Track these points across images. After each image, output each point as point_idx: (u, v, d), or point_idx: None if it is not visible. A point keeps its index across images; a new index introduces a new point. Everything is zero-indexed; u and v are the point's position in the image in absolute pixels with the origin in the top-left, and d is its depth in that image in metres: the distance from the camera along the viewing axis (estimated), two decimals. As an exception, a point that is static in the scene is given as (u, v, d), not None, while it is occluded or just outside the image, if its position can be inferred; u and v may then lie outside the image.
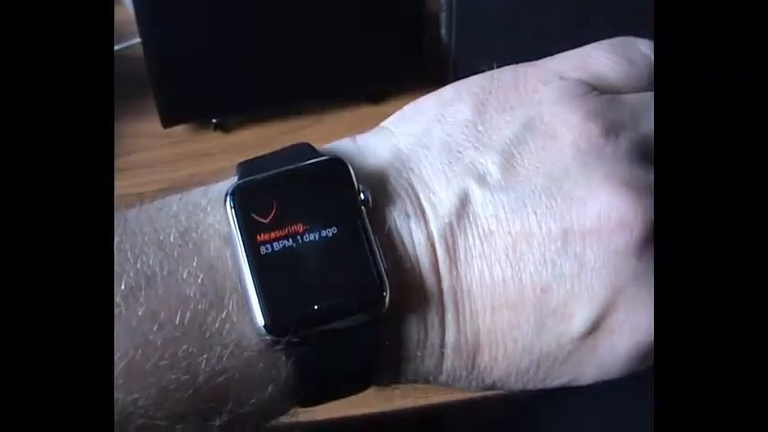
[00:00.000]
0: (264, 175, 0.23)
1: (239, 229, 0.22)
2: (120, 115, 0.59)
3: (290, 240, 0.22)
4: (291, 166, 0.24)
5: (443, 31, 0.60)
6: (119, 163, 0.57)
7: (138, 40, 0.56)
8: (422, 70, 0.61)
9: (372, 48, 0.60)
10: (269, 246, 0.22)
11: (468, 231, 0.23)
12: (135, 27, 0.55)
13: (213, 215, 0.23)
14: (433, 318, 0.23)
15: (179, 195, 0.24)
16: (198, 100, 0.59)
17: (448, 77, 0.61)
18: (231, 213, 0.23)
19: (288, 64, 0.59)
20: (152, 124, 0.58)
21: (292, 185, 0.23)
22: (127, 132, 0.60)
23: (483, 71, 0.26)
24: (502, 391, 0.25)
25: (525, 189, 0.23)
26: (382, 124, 0.27)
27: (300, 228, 0.23)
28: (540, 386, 0.25)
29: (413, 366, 0.24)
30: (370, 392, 0.24)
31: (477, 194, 0.24)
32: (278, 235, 0.22)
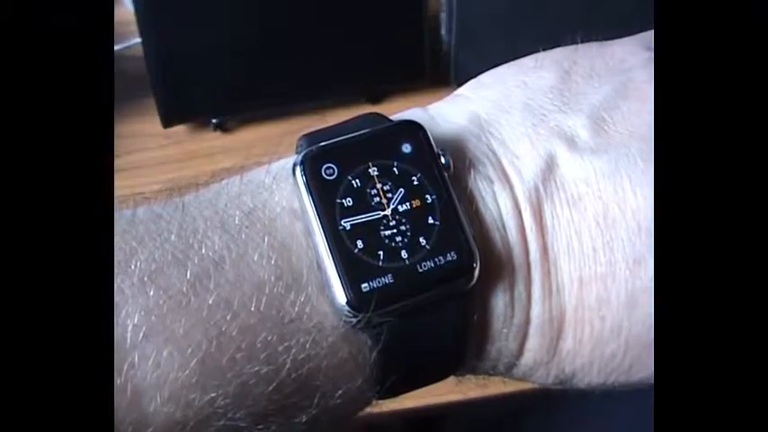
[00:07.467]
0: (336, 140, 0.22)
1: (313, 200, 0.20)
2: (120, 115, 0.59)
3: (370, 209, 0.21)
4: (365, 131, 0.22)
5: (443, 31, 0.60)
6: (119, 163, 0.57)
7: (138, 40, 0.56)
8: (422, 70, 0.61)
9: (372, 48, 0.60)
10: (347, 216, 0.21)
11: (556, 197, 0.22)
12: (135, 27, 0.55)
13: (280, 192, 0.21)
14: (520, 290, 0.22)
15: (238, 176, 0.22)
16: (198, 100, 0.59)
17: (448, 77, 0.61)
18: (303, 184, 0.21)
19: (288, 64, 0.59)
20: (152, 124, 0.59)
21: (368, 151, 0.21)
22: (127, 132, 0.60)
23: (483, 72, 0.26)
24: (557, 389, 0.23)
25: (618, 152, 0.22)
26: (456, 92, 0.25)
27: (380, 195, 0.21)
28: (623, 379, 0.23)
29: (496, 349, 0.22)
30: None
31: (564, 157, 0.22)
32: (356, 204, 0.21)
